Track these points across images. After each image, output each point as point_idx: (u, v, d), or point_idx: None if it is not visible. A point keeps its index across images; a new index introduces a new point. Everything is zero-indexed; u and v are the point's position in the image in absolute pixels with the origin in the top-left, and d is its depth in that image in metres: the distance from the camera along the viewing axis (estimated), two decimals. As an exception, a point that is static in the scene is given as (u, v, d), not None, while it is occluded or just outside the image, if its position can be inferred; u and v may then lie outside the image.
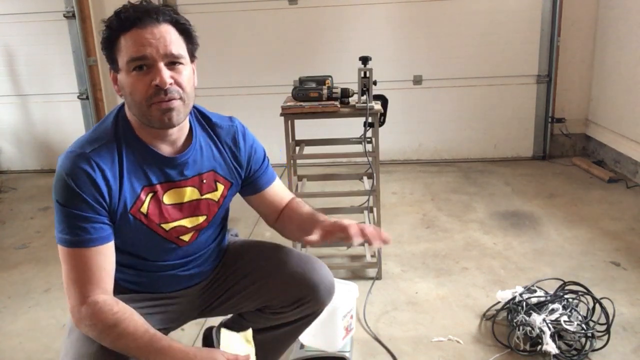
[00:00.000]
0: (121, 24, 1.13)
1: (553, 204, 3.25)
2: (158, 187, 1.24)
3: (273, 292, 1.41)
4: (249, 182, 1.41)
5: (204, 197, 1.32)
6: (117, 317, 1.11)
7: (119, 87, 1.19)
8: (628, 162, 3.66)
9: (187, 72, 1.18)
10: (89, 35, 4.14)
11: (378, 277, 2.41)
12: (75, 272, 1.14)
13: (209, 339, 1.74)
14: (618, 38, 3.70)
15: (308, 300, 1.40)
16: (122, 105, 1.26)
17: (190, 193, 1.29)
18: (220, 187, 1.35)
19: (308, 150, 2.64)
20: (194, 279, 1.41)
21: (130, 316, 1.13)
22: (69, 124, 4.35)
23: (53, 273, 2.62)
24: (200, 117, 1.34)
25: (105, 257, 1.17)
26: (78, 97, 4.26)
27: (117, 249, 1.23)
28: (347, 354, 1.83)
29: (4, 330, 2.16)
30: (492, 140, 4.24)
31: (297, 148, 2.60)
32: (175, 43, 1.16)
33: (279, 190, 1.46)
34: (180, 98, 1.16)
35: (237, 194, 1.44)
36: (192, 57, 1.23)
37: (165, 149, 1.25)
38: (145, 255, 1.31)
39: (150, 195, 1.23)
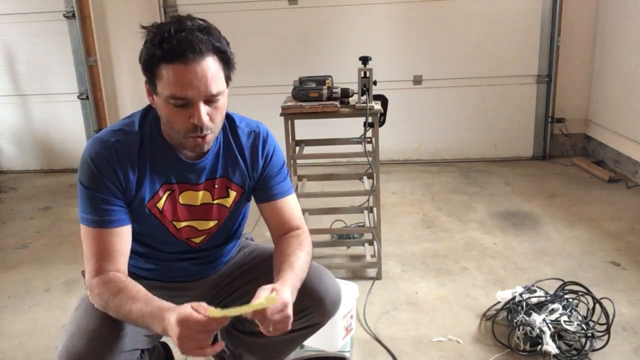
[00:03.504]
0: (164, 55, 1.11)
1: (553, 204, 3.25)
2: (176, 186, 1.29)
3: None
4: (261, 187, 1.39)
5: (215, 202, 1.35)
6: (122, 286, 1.16)
7: (155, 105, 1.21)
8: (628, 162, 3.66)
9: (222, 104, 1.19)
10: (89, 35, 4.14)
11: (378, 277, 2.41)
12: (93, 249, 1.21)
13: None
14: (618, 38, 3.70)
15: (312, 311, 1.38)
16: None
17: (202, 197, 1.33)
18: (233, 194, 1.36)
19: (308, 150, 2.64)
20: (205, 271, 1.45)
21: (135, 286, 1.17)
22: (69, 124, 4.35)
23: (53, 273, 2.62)
24: (225, 120, 1.34)
25: (121, 239, 1.23)
26: (78, 97, 4.26)
27: (133, 238, 1.28)
28: (347, 354, 1.83)
29: (4, 330, 2.16)
30: (492, 140, 4.24)
31: (297, 148, 2.60)
32: (216, 78, 1.15)
33: (291, 207, 1.40)
34: (213, 132, 1.20)
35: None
36: (228, 81, 1.22)
37: (188, 153, 1.28)
38: (158, 246, 1.36)
39: (167, 193, 1.29)
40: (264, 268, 1.43)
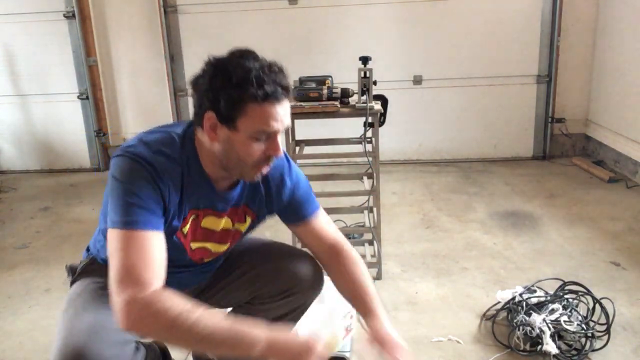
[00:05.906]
0: (264, 97, 1.13)
1: (553, 204, 3.25)
2: (202, 211, 1.29)
3: (261, 282, 1.45)
4: (291, 211, 1.40)
5: (234, 227, 1.37)
6: (190, 305, 1.07)
7: (219, 138, 1.18)
8: (628, 162, 3.66)
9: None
10: (89, 35, 4.14)
11: (378, 277, 2.41)
12: (132, 256, 1.07)
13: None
14: (618, 38, 3.70)
15: (295, 292, 1.44)
16: (190, 126, 1.25)
17: (225, 222, 1.34)
18: (248, 220, 1.39)
19: (308, 150, 2.64)
20: (197, 280, 1.45)
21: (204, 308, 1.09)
22: (69, 124, 4.35)
23: (53, 273, 2.62)
24: None
25: (162, 246, 1.14)
26: (78, 97, 4.26)
27: None
28: (347, 354, 1.83)
29: (4, 330, 2.16)
30: (492, 140, 4.24)
31: (297, 148, 2.60)
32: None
33: (322, 222, 1.44)
34: None
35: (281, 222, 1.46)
36: None
37: (221, 184, 1.29)
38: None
39: (193, 217, 1.28)
40: (245, 256, 1.48)
